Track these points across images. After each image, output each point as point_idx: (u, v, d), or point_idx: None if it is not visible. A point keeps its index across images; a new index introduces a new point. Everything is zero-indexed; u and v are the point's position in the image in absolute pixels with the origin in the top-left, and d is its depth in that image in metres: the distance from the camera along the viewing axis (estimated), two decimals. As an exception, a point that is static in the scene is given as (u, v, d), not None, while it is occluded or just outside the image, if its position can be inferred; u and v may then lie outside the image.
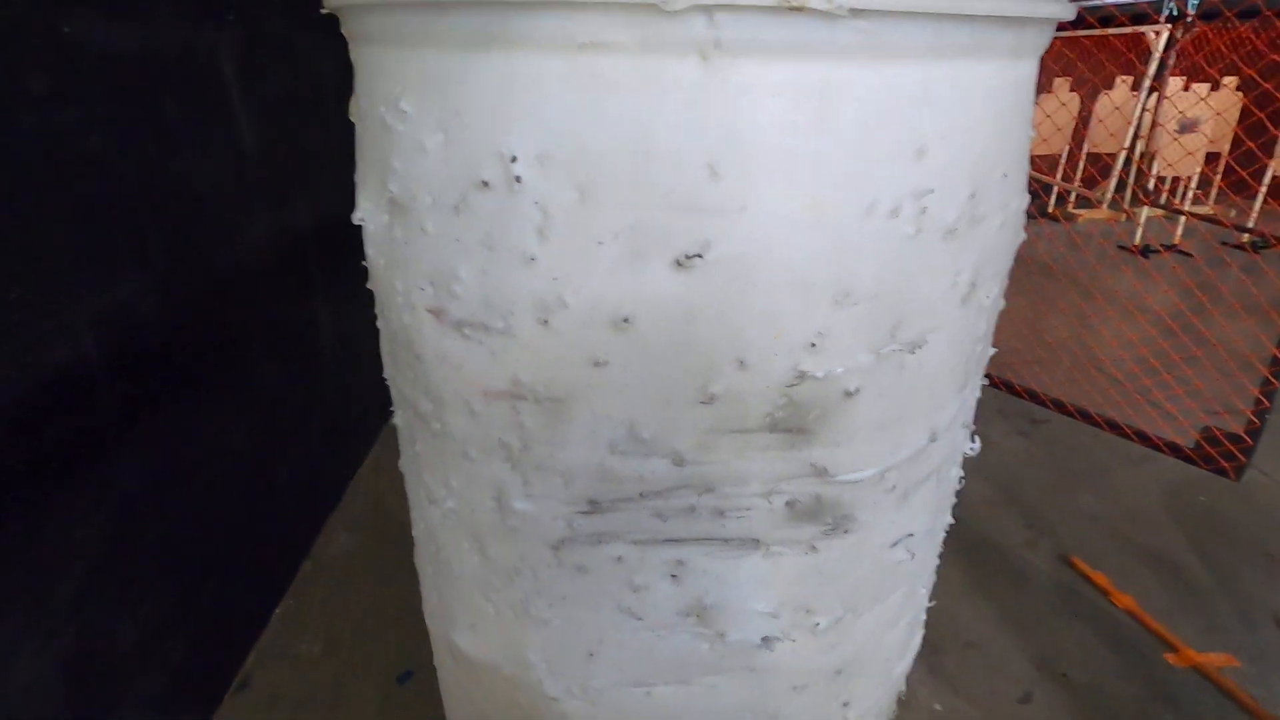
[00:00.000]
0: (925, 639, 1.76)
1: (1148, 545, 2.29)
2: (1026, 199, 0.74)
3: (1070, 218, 6.24)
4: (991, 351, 0.85)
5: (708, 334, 0.59)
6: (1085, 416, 2.73)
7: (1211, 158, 5.97)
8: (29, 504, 0.97)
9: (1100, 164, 6.22)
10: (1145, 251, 5.35)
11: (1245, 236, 5.01)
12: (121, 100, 1.18)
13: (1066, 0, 0.59)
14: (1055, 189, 6.26)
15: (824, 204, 0.56)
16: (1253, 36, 5.05)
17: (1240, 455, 2.27)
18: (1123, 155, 5.69)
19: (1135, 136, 5.57)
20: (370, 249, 0.73)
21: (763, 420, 0.63)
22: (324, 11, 0.71)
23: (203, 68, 1.43)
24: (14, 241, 0.95)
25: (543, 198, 0.57)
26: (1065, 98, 5.79)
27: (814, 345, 0.60)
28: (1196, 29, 5.08)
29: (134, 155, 1.21)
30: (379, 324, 0.80)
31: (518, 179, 0.57)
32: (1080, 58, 5.98)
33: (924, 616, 1.00)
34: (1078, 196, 6.30)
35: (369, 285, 0.79)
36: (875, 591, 0.78)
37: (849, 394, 0.63)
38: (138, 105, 1.23)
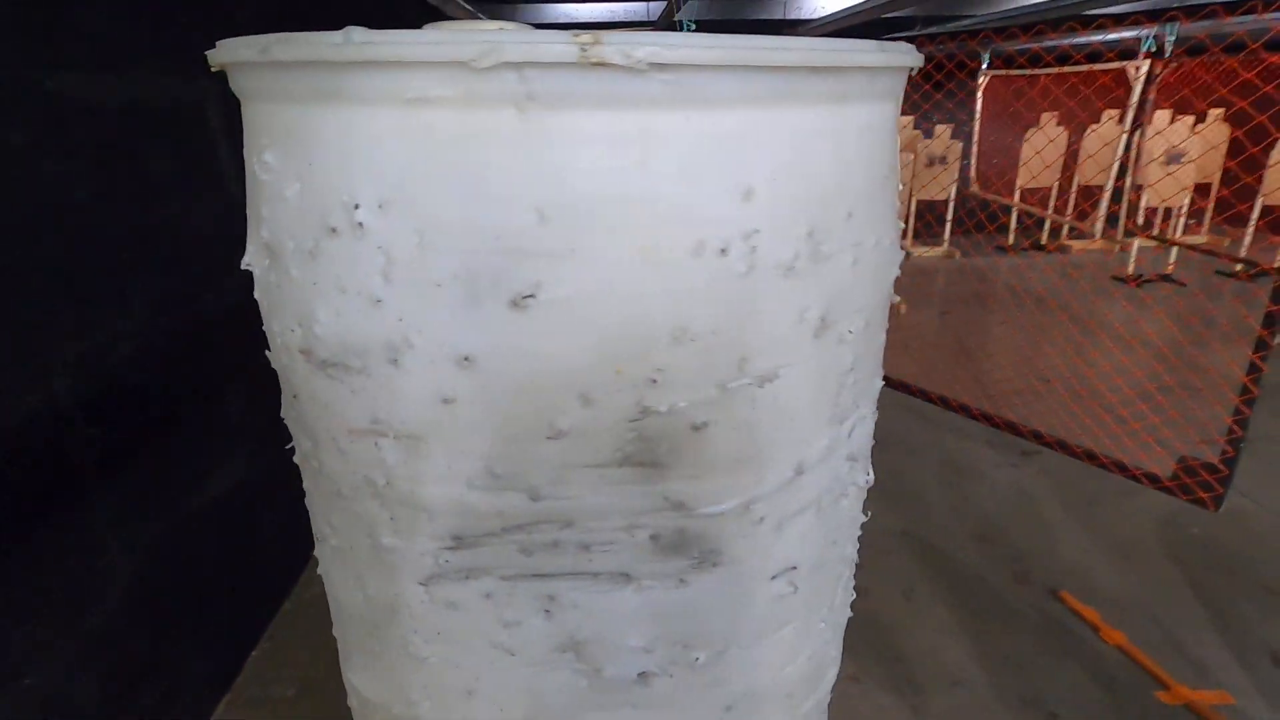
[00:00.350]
0: (909, 678, 1.72)
1: (1139, 579, 2.24)
2: (893, 235, 0.76)
3: (1064, 249, 6.25)
4: (880, 384, 0.86)
5: (549, 371, 0.61)
6: (1063, 448, 2.71)
7: (1203, 189, 5.98)
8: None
9: (1094, 197, 6.24)
10: (1138, 280, 5.34)
11: (1239, 265, 4.99)
12: (106, 152, 1.23)
13: (884, 51, 0.62)
14: (1048, 222, 6.28)
15: (652, 245, 0.58)
16: (1240, 69, 5.10)
17: (1217, 485, 2.24)
18: (1111, 187, 5.71)
19: (1124, 169, 5.60)
20: (257, 292, 0.76)
21: (614, 455, 0.65)
22: (213, 70, 0.75)
23: (189, 120, 1.49)
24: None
25: (385, 242, 0.59)
26: (1053, 133, 5.85)
27: (655, 381, 0.62)
28: (1177, 64, 5.14)
29: (118, 206, 1.26)
30: (272, 365, 0.82)
31: (360, 225, 0.59)
32: (1067, 94, 6.05)
33: (836, 652, 0.99)
34: (1070, 228, 6.32)
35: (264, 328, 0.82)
36: (759, 626, 0.78)
37: (697, 427, 0.64)
38: (123, 157, 1.28)
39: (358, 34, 0.53)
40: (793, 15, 6.36)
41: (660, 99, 0.55)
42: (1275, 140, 5.28)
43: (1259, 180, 5.31)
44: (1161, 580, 2.21)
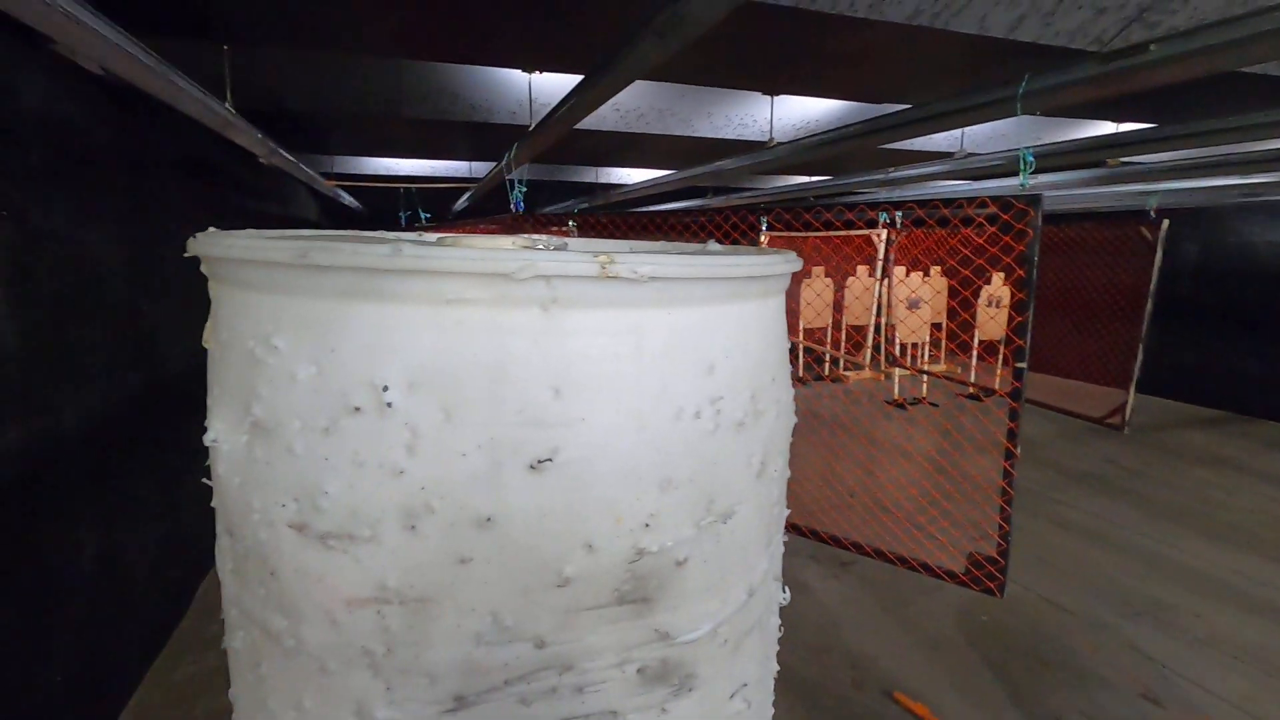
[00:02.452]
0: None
1: (951, 668, 2.56)
2: (790, 393, 0.97)
3: (842, 379, 7.28)
4: (787, 511, 1.03)
5: (560, 524, 0.69)
6: (879, 555, 3.09)
7: (938, 326, 7.40)
8: None
9: (860, 335, 7.46)
10: (905, 403, 6.35)
11: (971, 388, 6.16)
12: None
13: (789, 262, 0.84)
14: (827, 357, 7.33)
15: (644, 412, 0.71)
16: (948, 237, 6.58)
17: (1000, 575, 2.70)
18: (873, 325, 6.89)
19: (878, 312, 6.83)
20: (223, 468, 0.76)
21: (612, 595, 0.73)
22: (186, 255, 0.78)
23: None
24: None
25: (412, 419, 0.66)
26: (823, 283, 6.98)
27: (648, 525, 0.73)
28: (906, 232, 6.54)
29: None
30: (224, 544, 0.80)
31: (389, 404, 0.66)
32: (831, 252, 7.33)
33: (769, 767, 1.07)
34: (845, 362, 7.42)
35: (213, 504, 0.80)
36: (723, 746, 0.86)
37: (679, 563, 0.75)
38: None
39: (408, 249, 0.63)
40: (604, 180, 7.15)
41: (650, 299, 0.71)
42: (978, 288, 6.79)
43: (973, 318, 6.73)
44: (967, 666, 2.56)
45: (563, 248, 1.10)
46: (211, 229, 0.74)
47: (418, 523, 0.67)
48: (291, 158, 4.12)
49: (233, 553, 0.79)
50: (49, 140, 1.76)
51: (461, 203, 7.51)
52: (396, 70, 3.83)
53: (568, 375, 0.68)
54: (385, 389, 0.66)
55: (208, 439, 0.77)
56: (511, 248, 0.69)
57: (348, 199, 6.78)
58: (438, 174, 6.82)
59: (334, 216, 8.57)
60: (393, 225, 7.62)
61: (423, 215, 5.69)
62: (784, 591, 1.03)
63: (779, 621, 1.02)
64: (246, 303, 0.73)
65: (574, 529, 0.70)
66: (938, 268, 7.26)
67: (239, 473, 0.74)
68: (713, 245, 1.17)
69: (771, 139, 4.30)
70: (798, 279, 7.08)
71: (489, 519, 0.67)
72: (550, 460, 0.68)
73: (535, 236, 1.14)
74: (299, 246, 0.65)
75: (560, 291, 0.66)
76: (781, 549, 1.01)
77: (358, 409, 0.66)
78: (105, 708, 1.89)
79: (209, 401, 0.79)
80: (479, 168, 6.68)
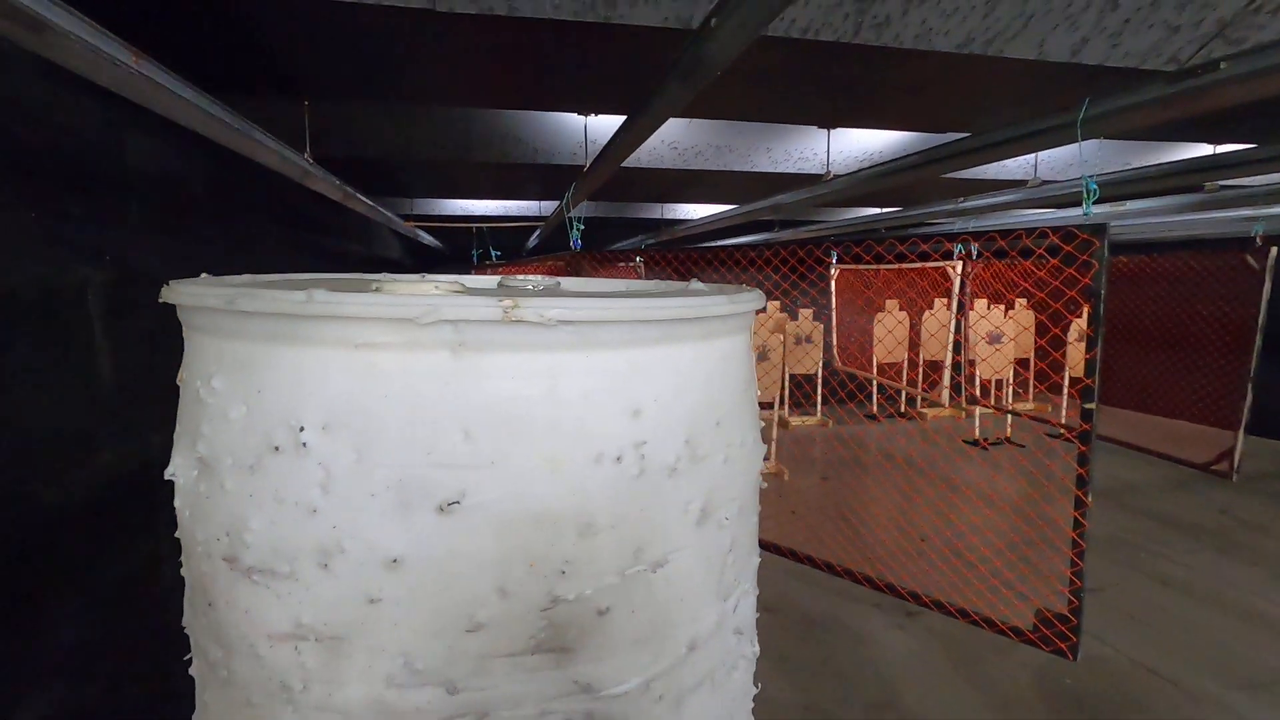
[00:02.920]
0: None
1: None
2: (755, 434, 0.93)
3: (920, 417, 6.95)
4: (757, 561, 0.98)
5: (470, 567, 0.69)
6: (940, 607, 2.89)
7: (1024, 363, 6.97)
8: None
9: (938, 371, 7.12)
10: (986, 443, 5.98)
11: (1061, 428, 5.73)
12: None
13: (734, 303, 0.82)
14: (904, 393, 7.03)
15: (559, 457, 0.70)
16: (1035, 268, 6.23)
17: (1071, 635, 2.46)
18: (950, 362, 6.56)
19: (959, 346, 6.50)
20: (179, 501, 0.80)
21: (528, 642, 0.72)
22: (161, 301, 0.85)
23: (64, 305, 1.51)
24: None
25: (325, 459, 0.68)
26: (898, 317, 6.74)
27: (563, 572, 0.71)
28: (985, 264, 6.24)
29: None
30: (183, 573, 0.84)
31: (304, 444, 0.68)
32: (906, 285, 7.08)
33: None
34: (923, 398, 7.08)
35: (176, 535, 0.85)
36: (665, 809, 0.82)
37: (601, 613, 0.73)
38: None
39: (320, 295, 0.66)
40: (669, 216, 7.23)
41: (565, 343, 0.70)
42: (1069, 323, 6.36)
43: (1064, 355, 6.30)
44: (1046, 736, 2.32)
45: (554, 289, 1.11)
46: (174, 281, 0.80)
47: (330, 561, 0.68)
48: (369, 201, 4.40)
49: (188, 583, 0.83)
50: (149, 191, 1.96)
51: (532, 241, 7.77)
52: (465, 118, 4.04)
53: (478, 418, 0.68)
54: (301, 429, 0.68)
55: (168, 473, 0.82)
56: (436, 292, 0.71)
57: (427, 238, 7.15)
58: (510, 214, 7.10)
59: (416, 255, 9.06)
60: (467, 263, 7.97)
61: (493, 253, 5.93)
62: (753, 645, 0.98)
63: (748, 678, 0.97)
64: (195, 345, 0.78)
65: (485, 573, 0.69)
66: (1024, 301, 6.87)
67: (189, 506, 0.78)
68: (695, 285, 1.15)
69: (829, 172, 4.24)
70: (870, 312, 6.87)
71: (395, 560, 0.68)
72: (458, 503, 0.68)
73: (527, 277, 1.16)
74: (229, 293, 0.70)
75: (467, 336, 0.67)
76: (750, 601, 0.96)
77: (277, 448, 0.69)
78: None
79: (174, 437, 0.84)
80: (547, 207, 6.91)
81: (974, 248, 5.30)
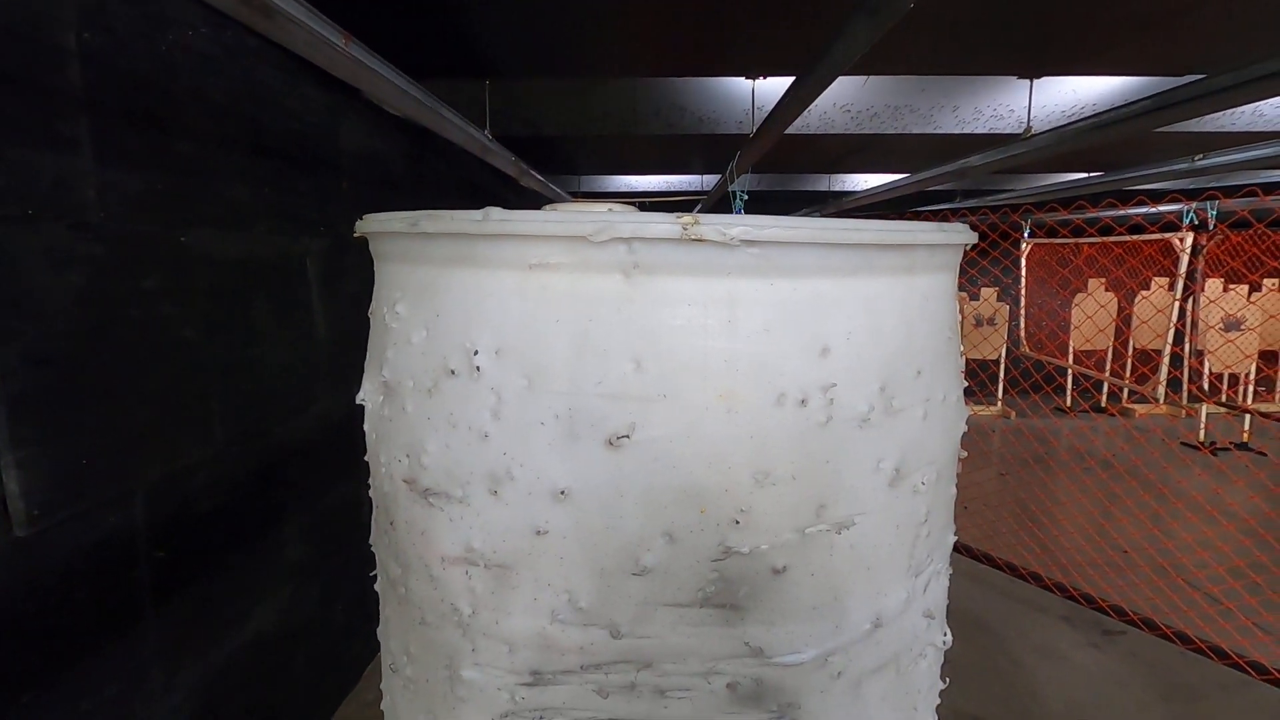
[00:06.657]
0: None
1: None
2: (958, 392, 0.80)
3: (1126, 413, 6.09)
4: (953, 540, 0.86)
5: (637, 508, 0.65)
6: (1151, 628, 2.50)
7: (1269, 356, 5.86)
8: (41, 675, 1.02)
9: (1151, 362, 6.17)
10: (1212, 447, 5.11)
11: (1319, 436, 4.75)
12: (217, 297, 1.40)
13: (943, 231, 0.70)
14: (1106, 385, 6.18)
15: (736, 394, 0.64)
16: (1288, 242, 5.19)
17: (1336, 681, 2.02)
18: (1168, 352, 5.67)
19: (1180, 335, 5.57)
20: (367, 425, 0.84)
21: (695, 595, 0.66)
22: (355, 236, 0.89)
23: (291, 272, 1.69)
24: (94, 414, 1.10)
25: (497, 384, 0.67)
26: (1103, 299, 5.93)
27: (737, 522, 0.65)
28: (1222, 237, 5.27)
29: (218, 344, 1.41)
30: (370, 494, 0.88)
31: (478, 368, 0.67)
32: (1113, 262, 6.20)
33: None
34: (1130, 392, 6.19)
35: (366, 458, 0.89)
36: (837, 798, 0.74)
37: (777, 571, 0.66)
38: (231, 301, 1.45)
39: (495, 213, 0.64)
40: (837, 188, 6.85)
41: (748, 267, 0.63)
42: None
43: (1327, 349, 5.20)
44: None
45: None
46: (366, 214, 0.83)
47: (499, 488, 0.67)
48: (542, 178, 4.58)
49: (374, 503, 0.87)
50: (358, 169, 2.17)
51: (694, 216, 7.69)
52: (631, 89, 4.05)
53: (650, 347, 0.63)
54: (475, 353, 0.67)
55: (358, 398, 0.86)
56: (605, 211, 0.67)
57: (592, 216, 7.33)
58: (673, 188, 7.09)
59: (582, 233, 9.35)
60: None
61: None
62: (945, 633, 0.86)
63: (935, 670, 0.86)
64: (383, 275, 0.80)
65: (652, 515, 0.65)
66: (1274, 281, 5.76)
67: (375, 429, 0.81)
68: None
69: (1029, 129, 3.74)
70: (1066, 293, 6.09)
71: (563, 492, 0.65)
72: (628, 437, 0.64)
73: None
74: (412, 216, 0.70)
75: (642, 256, 0.62)
76: (942, 582, 0.84)
77: (453, 371, 0.69)
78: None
79: (365, 365, 0.88)
80: (709, 181, 6.82)
81: (1213, 211, 4.48)
